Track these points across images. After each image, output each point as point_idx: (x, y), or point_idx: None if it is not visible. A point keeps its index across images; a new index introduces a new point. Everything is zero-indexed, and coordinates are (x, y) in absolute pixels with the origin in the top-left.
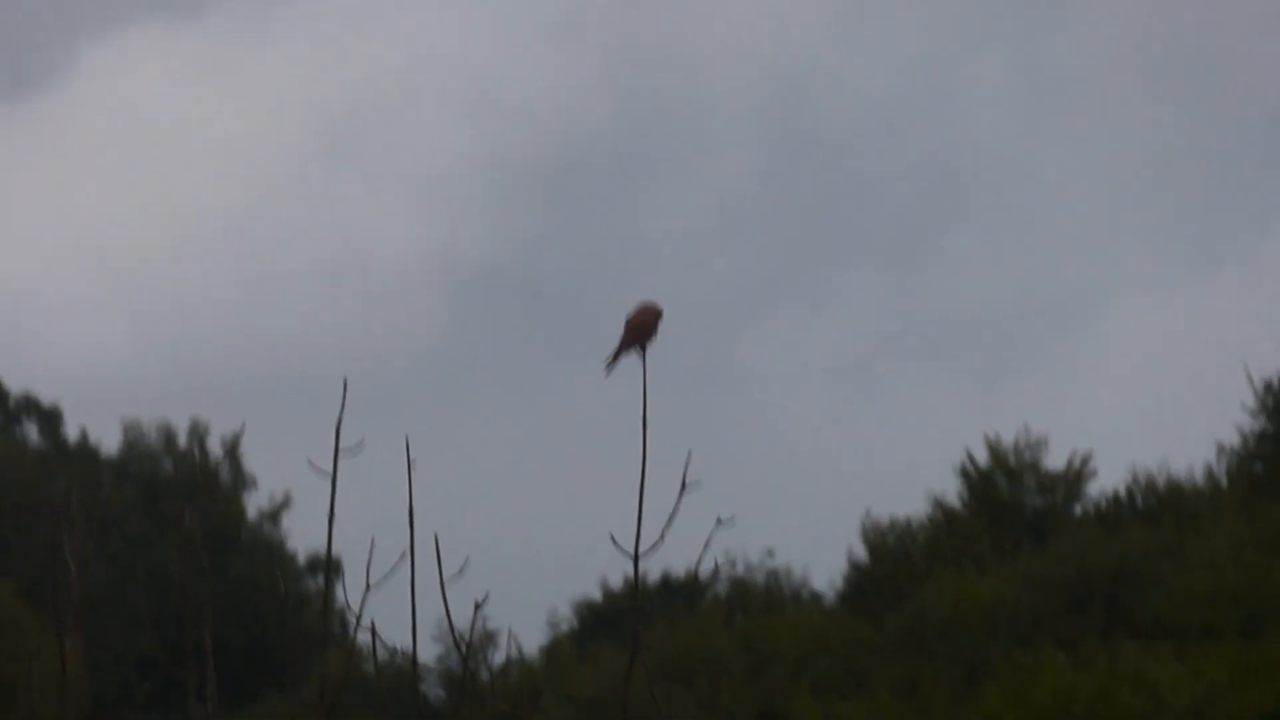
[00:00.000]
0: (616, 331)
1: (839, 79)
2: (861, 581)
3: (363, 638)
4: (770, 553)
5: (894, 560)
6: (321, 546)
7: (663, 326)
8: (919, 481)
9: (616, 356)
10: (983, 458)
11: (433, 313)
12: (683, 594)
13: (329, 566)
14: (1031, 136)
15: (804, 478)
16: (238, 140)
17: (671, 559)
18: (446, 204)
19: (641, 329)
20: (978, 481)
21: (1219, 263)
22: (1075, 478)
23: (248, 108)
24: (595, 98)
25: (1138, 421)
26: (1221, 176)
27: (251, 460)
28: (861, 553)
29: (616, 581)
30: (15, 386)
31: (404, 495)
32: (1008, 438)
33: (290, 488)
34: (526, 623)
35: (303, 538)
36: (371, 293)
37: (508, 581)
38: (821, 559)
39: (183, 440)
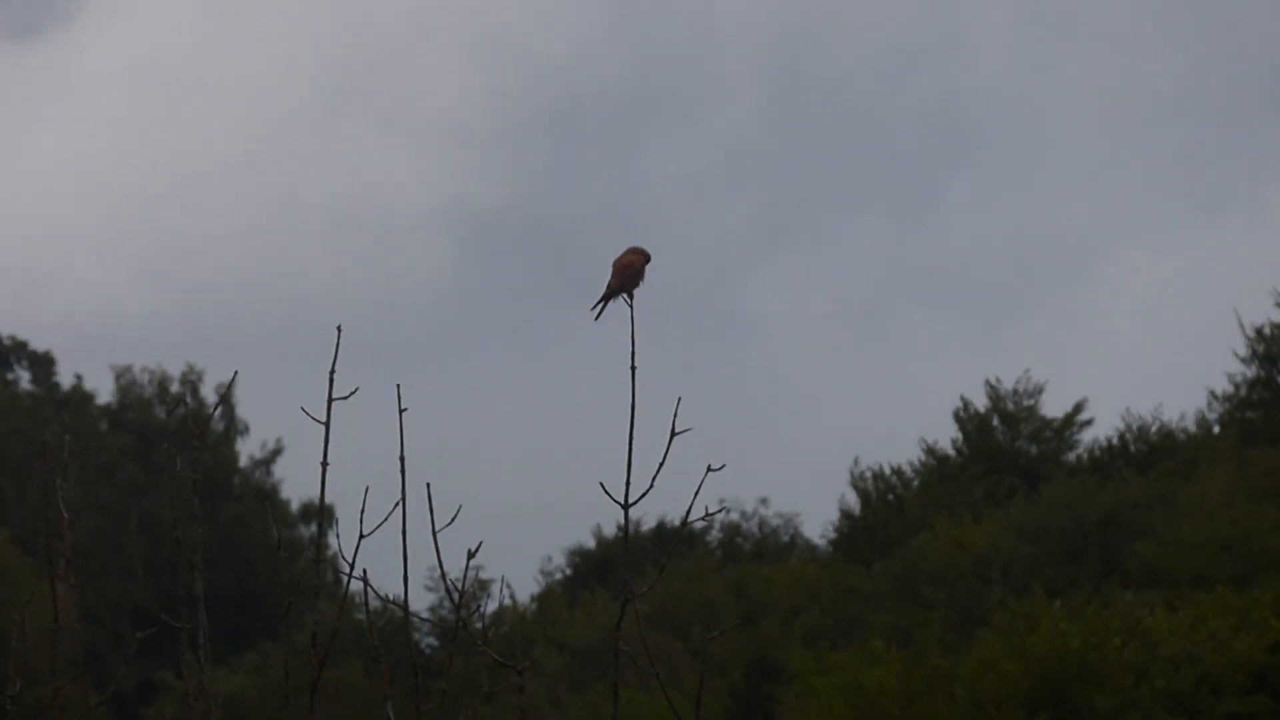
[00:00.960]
0: (605, 277)
1: (844, 23)
2: (854, 530)
3: (355, 586)
4: (764, 501)
5: (886, 508)
6: (314, 494)
7: (650, 271)
8: (920, 429)
9: (604, 302)
10: (981, 404)
11: (439, 259)
12: (675, 542)
13: (322, 514)
14: (1036, 82)
15: (804, 425)
16: (245, 84)
17: (666, 507)
18: (454, 148)
19: (628, 272)
20: (973, 428)
21: (1220, 210)
22: (1069, 425)
23: (256, 50)
24: (602, 42)
25: (1134, 368)
26: (1225, 124)
27: (248, 407)
28: (853, 500)
29: (610, 529)
30: (6, 331)
31: (398, 443)
32: (1007, 384)
33: (284, 435)
34: (519, 571)
35: (296, 485)
36: (378, 238)
37: (501, 530)
38: (819, 507)
39: (176, 388)
